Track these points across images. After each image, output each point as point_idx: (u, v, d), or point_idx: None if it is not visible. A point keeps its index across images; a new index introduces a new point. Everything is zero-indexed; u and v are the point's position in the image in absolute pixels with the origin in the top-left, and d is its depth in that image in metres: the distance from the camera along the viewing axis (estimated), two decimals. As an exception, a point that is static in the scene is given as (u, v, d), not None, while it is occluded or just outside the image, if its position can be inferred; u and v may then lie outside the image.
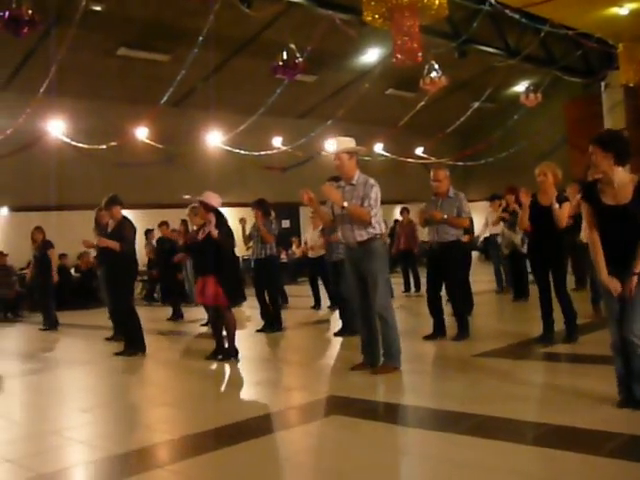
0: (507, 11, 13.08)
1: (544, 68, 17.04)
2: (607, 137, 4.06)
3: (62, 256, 14.00)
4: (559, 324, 6.42)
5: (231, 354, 6.69)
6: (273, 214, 8.84)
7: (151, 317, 10.53)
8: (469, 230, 9.08)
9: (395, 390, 5.21)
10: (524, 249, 9.31)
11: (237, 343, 6.76)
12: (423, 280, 9.46)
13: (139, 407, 5.38)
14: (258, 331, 8.59)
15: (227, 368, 6.47)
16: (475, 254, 14.54)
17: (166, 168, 15.61)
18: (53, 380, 6.72)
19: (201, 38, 11.02)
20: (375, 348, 5.68)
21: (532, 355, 6.16)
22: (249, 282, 9.58)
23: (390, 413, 4.60)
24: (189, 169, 15.98)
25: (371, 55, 17.03)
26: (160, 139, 13.77)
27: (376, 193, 5.55)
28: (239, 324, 6.99)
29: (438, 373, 5.96)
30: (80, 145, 12.73)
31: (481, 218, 12.40)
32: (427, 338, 7.08)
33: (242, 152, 15.11)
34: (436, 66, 13.28)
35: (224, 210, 6.95)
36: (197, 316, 10.14)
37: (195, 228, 7.80)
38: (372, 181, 5.61)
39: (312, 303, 11.01)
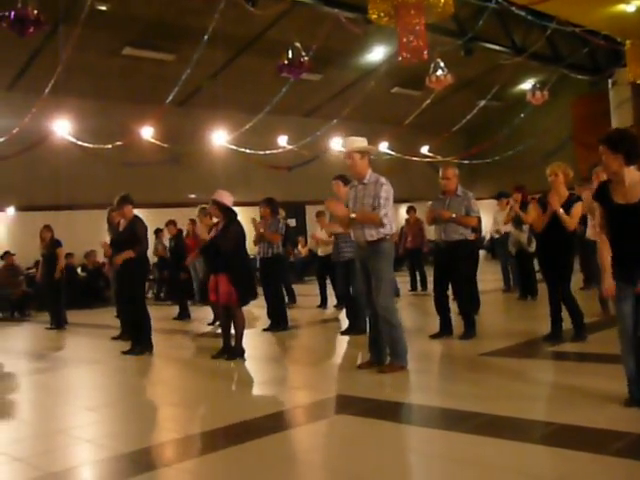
0: (513, 8, 13.05)
1: (551, 66, 16.99)
2: (616, 137, 4.02)
3: (68, 255, 14.03)
4: (567, 323, 6.40)
5: (237, 353, 6.70)
6: (282, 213, 8.82)
7: (157, 316, 10.52)
8: (476, 229, 9.05)
9: (402, 389, 5.20)
10: (531, 248, 9.29)
11: (244, 342, 6.76)
12: (430, 278, 9.44)
13: (146, 406, 5.38)
14: (265, 330, 8.60)
15: (234, 367, 6.47)
16: (482, 253, 14.48)
17: (171, 167, 15.65)
18: (60, 379, 6.73)
19: (206, 37, 11.04)
20: (382, 346, 5.70)
21: (540, 354, 6.13)
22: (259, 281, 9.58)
23: (397, 412, 4.59)
24: (194, 168, 16.00)
25: (377, 53, 17.02)
26: (165, 138, 13.79)
27: (386, 192, 5.57)
28: (246, 323, 6.99)
29: (445, 372, 5.96)
30: (86, 145, 12.74)
31: (487, 216, 12.36)
32: (434, 337, 7.08)
33: (248, 151, 15.12)
34: (442, 64, 13.24)
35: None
36: (203, 315, 10.14)
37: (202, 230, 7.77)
38: (383, 180, 5.63)
39: (318, 302, 11.02)
